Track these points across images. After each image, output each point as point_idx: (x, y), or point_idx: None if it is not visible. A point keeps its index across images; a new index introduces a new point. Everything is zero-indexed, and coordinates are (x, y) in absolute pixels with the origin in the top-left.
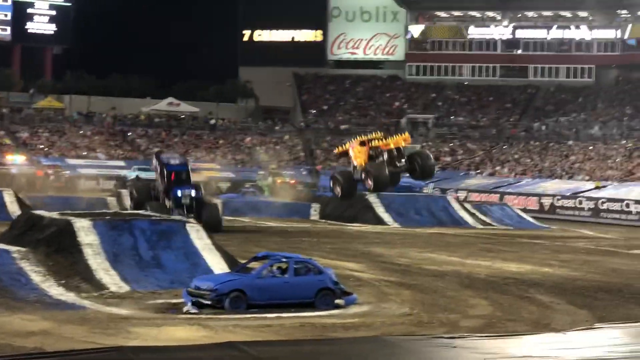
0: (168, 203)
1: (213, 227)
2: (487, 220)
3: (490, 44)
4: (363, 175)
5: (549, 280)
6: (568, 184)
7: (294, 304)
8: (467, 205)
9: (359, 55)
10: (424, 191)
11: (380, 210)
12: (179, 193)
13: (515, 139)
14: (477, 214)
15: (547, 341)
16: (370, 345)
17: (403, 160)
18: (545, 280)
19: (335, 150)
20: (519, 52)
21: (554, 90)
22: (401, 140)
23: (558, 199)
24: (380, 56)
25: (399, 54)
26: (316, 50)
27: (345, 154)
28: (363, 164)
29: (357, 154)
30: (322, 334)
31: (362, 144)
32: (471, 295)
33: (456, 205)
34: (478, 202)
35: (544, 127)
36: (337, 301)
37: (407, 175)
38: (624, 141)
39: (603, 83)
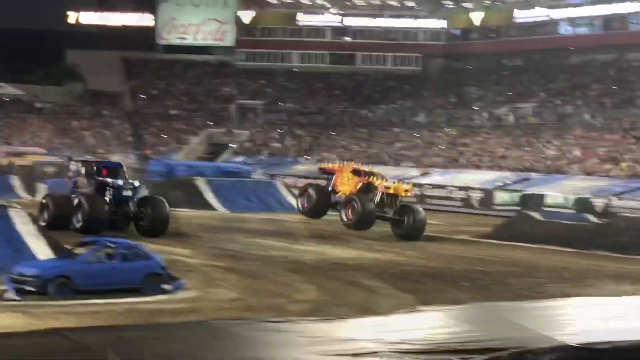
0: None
1: (161, 226)
2: None
3: (319, 31)
4: (344, 204)
5: (375, 266)
6: (394, 170)
7: (122, 290)
8: (296, 191)
9: (189, 40)
10: (253, 177)
11: (209, 196)
12: (120, 182)
13: (343, 126)
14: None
15: (371, 324)
16: (197, 330)
17: (393, 210)
18: (371, 266)
19: (319, 165)
20: (348, 39)
21: (382, 78)
22: (402, 189)
23: None
24: (210, 42)
25: (229, 40)
26: (146, 35)
27: (329, 173)
28: (347, 194)
29: (344, 180)
30: (149, 320)
31: (356, 173)
32: (299, 280)
33: (284, 191)
34: None
35: (371, 114)
36: (165, 286)
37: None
38: (449, 129)
39: (429, 72)
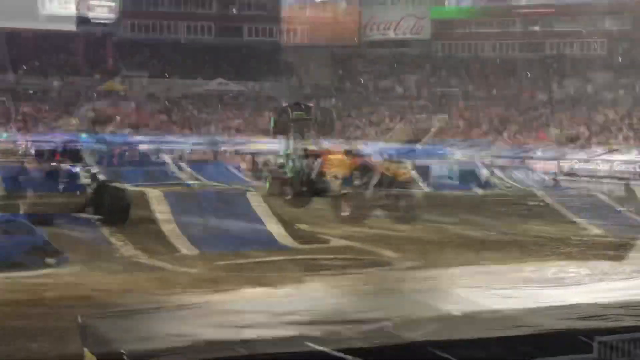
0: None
1: (121, 216)
2: (201, 178)
3: (206, 2)
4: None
5: (265, 237)
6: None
7: (3, 264)
8: (183, 164)
9: (73, 11)
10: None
11: (95, 170)
12: (78, 170)
13: (232, 100)
14: (192, 171)
15: (258, 296)
16: (81, 304)
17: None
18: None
19: (305, 148)
20: (235, 11)
21: (269, 50)
22: (400, 173)
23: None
24: (95, 14)
25: (114, 11)
26: (28, 6)
27: (316, 155)
28: (341, 177)
29: (336, 162)
30: (33, 295)
31: (349, 153)
32: (186, 249)
33: (172, 165)
34: (196, 162)
35: (258, 87)
36: (48, 260)
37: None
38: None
39: (317, 45)
